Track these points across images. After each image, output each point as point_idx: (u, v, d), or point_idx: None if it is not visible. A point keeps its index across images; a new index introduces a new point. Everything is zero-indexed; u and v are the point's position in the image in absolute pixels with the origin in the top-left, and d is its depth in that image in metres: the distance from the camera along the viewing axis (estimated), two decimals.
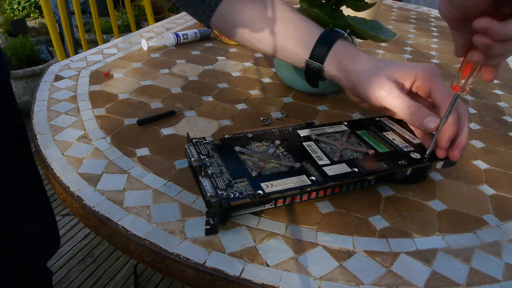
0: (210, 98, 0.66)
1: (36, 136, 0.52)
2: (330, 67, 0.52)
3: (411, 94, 0.47)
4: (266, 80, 0.74)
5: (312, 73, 0.53)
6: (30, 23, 2.87)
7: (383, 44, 1.00)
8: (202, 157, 0.44)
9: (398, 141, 0.49)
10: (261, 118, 0.60)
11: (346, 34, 0.58)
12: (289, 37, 0.53)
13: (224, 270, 0.36)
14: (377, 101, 0.47)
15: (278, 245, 0.39)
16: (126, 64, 0.76)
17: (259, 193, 0.39)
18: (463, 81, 0.40)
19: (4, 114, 0.52)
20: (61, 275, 1.22)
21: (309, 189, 0.41)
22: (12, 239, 0.54)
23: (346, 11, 0.67)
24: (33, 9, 3.07)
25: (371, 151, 0.47)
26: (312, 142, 0.48)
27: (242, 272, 0.36)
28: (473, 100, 0.73)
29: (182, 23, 1.04)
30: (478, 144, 0.59)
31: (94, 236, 1.37)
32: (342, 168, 0.43)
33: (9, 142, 0.52)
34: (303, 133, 0.50)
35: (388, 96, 0.45)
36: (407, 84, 0.47)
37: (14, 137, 0.53)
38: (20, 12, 3.02)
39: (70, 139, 0.52)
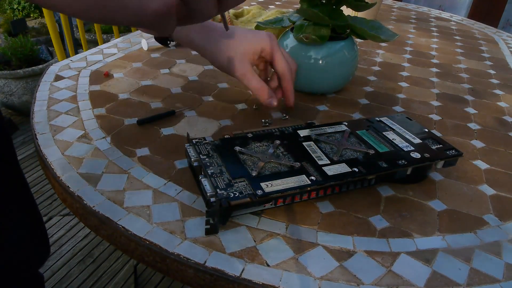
0: (210, 98, 0.66)
1: (36, 136, 0.52)
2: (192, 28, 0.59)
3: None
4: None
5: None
6: (30, 23, 2.87)
7: (383, 44, 1.00)
8: (202, 157, 0.44)
9: (398, 140, 0.49)
10: (262, 120, 0.60)
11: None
12: None
13: (224, 270, 0.36)
14: (237, 77, 0.58)
15: (278, 245, 0.39)
16: (126, 64, 0.76)
17: (259, 193, 0.39)
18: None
19: None
20: (61, 275, 1.22)
21: (309, 188, 0.41)
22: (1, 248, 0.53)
23: (346, 11, 0.67)
24: (33, 9, 3.07)
25: (371, 151, 0.47)
26: (312, 142, 0.48)
27: (242, 272, 0.36)
28: (473, 100, 0.73)
29: None
30: (478, 144, 0.59)
31: (94, 236, 1.36)
32: (342, 168, 0.43)
33: None
34: (303, 133, 0.50)
35: (245, 75, 0.57)
36: (255, 58, 0.58)
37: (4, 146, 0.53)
38: (20, 12, 3.02)
39: (70, 139, 0.52)
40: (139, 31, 0.95)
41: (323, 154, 0.46)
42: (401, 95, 0.72)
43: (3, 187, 0.53)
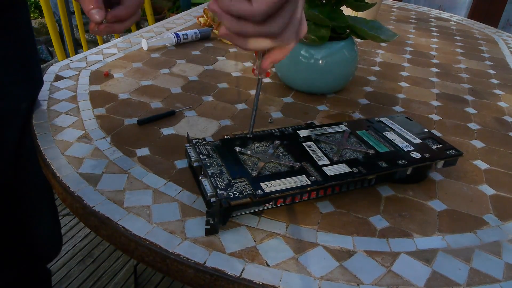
0: (210, 98, 0.66)
1: (36, 136, 0.52)
2: None
3: None
4: (266, 80, 0.74)
5: None
6: None
7: (383, 44, 1.00)
8: (202, 157, 0.44)
9: (398, 141, 0.49)
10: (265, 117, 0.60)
11: None
12: None
13: (224, 270, 0.36)
14: None
15: (278, 245, 0.39)
16: (126, 64, 0.76)
17: (259, 193, 0.39)
18: (257, 62, 0.38)
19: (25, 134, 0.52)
20: (61, 275, 1.22)
21: (309, 189, 0.41)
22: (23, 243, 0.55)
23: (346, 11, 0.67)
24: (33, 9, 3.07)
25: (371, 151, 0.47)
26: (312, 143, 0.48)
27: (242, 272, 0.36)
28: (473, 100, 0.73)
29: (182, 23, 1.04)
30: (478, 144, 0.59)
31: (94, 236, 1.36)
32: (342, 169, 0.43)
33: (25, 156, 0.53)
34: (303, 133, 0.50)
35: None
36: None
37: (31, 152, 0.55)
38: None
39: (70, 139, 0.52)
40: (139, 31, 0.95)
41: (323, 155, 0.46)
42: (401, 95, 0.72)
43: (34, 186, 0.55)
